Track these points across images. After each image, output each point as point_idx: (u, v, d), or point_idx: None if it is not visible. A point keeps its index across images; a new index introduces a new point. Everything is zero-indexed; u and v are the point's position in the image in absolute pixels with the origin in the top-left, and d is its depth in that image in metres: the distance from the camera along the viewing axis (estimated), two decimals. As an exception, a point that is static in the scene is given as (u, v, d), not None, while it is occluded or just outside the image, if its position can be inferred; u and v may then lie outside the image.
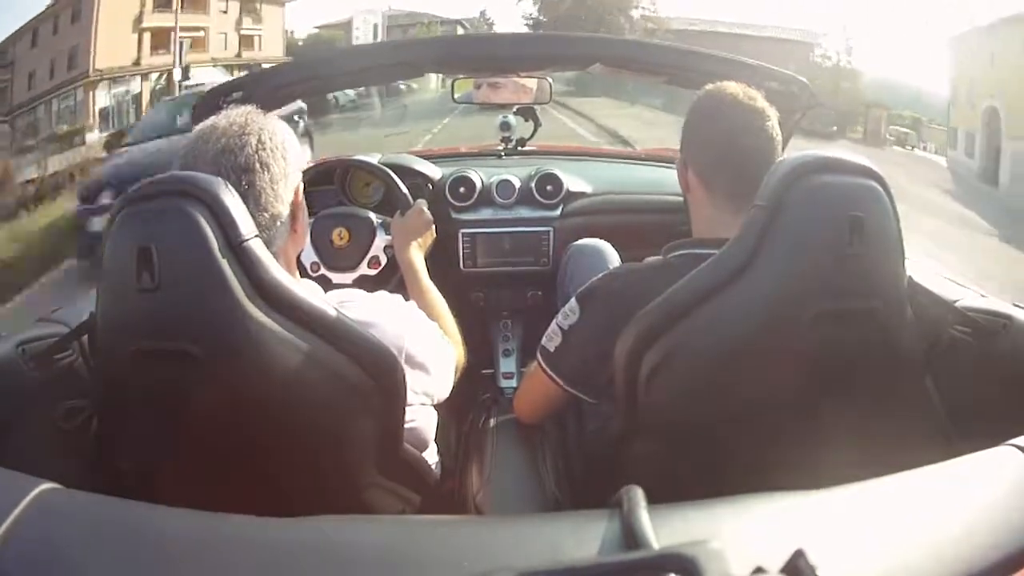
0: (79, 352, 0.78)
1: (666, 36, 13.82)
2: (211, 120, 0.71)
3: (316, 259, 1.27)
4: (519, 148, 1.79)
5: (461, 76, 1.77)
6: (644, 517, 0.38)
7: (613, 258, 1.25)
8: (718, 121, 0.85)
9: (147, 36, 12.17)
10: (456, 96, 1.83)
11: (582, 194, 1.52)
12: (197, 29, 13.16)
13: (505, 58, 1.27)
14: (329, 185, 1.41)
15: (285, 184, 0.71)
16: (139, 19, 11.80)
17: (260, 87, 1.16)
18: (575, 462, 0.95)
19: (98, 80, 10.68)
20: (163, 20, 12.37)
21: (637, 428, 0.75)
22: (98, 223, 4.37)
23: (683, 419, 0.73)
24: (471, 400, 1.16)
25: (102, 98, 10.82)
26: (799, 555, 0.33)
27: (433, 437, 0.84)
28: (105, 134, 10.10)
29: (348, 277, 1.26)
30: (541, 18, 16.47)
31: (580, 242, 1.32)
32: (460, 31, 17.13)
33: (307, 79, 1.24)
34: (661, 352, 0.71)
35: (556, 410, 0.97)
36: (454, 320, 1.03)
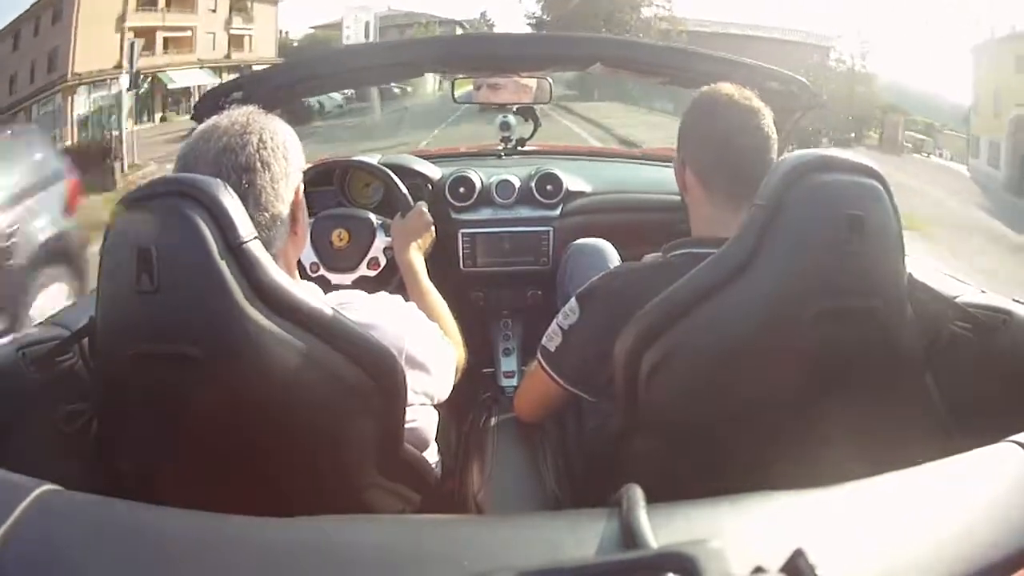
0: (79, 355, 0.78)
1: (680, 37, 13.63)
2: (213, 119, 0.71)
3: (316, 260, 1.27)
4: (519, 148, 1.79)
5: (461, 76, 1.77)
6: (643, 516, 0.38)
7: (613, 257, 1.25)
8: (715, 121, 0.85)
9: (130, 37, 11.54)
10: (456, 96, 1.83)
11: (582, 193, 1.52)
12: (183, 29, 12.64)
13: (505, 58, 1.27)
14: (329, 186, 1.41)
15: (286, 184, 0.71)
16: (122, 18, 11.26)
17: (261, 87, 1.16)
18: (575, 461, 0.95)
19: (77, 84, 10.21)
20: (148, 19, 11.83)
21: (637, 427, 0.75)
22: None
23: (683, 418, 0.73)
24: (471, 399, 1.16)
25: (81, 104, 10.37)
26: (799, 554, 0.33)
27: (434, 437, 0.84)
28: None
29: (347, 278, 1.26)
30: (545, 17, 16.25)
31: (580, 241, 1.32)
32: (459, 31, 17.00)
33: (308, 79, 1.24)
34: (661, 351, 0.71)
35: (556, 409, 0.97)
36: (454, 320, 1.03)
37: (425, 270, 1.14)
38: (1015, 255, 5.68)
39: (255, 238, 0.62)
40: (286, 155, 0.71)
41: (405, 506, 0.77)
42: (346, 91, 12.01)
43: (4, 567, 0.38)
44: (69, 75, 10.16)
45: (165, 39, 12.50)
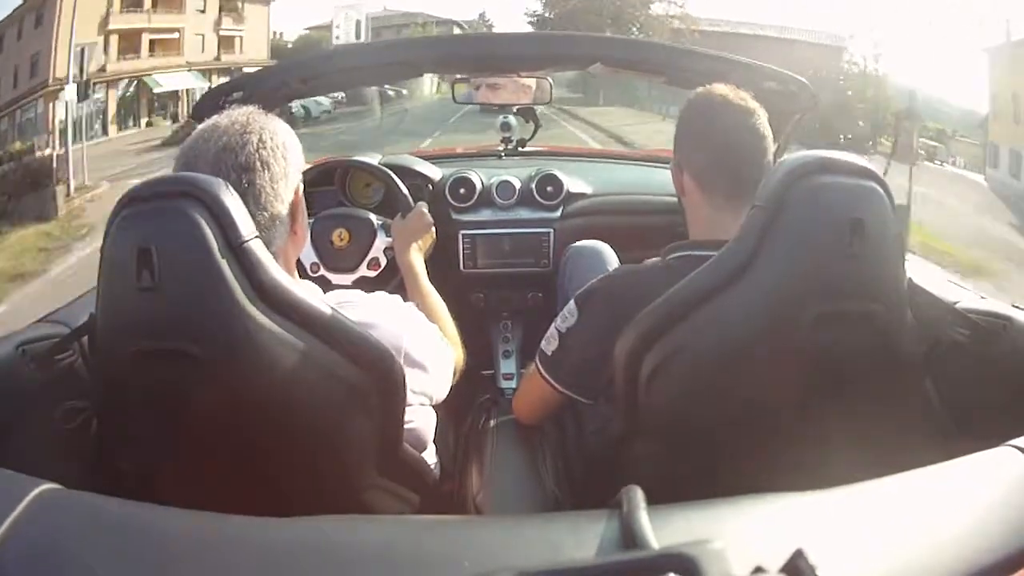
0: (79, 353, 0.78)
1: (693, 36, 13.33)
2: (213, 119, 0.72)
3: (316, 260, 1.27)
4: (519, 149, 1.79)
5: (460, 77, 1.77)
6: (644, 517, 0.38)
7: (612, 259, 1.25)
8: (711, 123, 0.85)
9: (114, 39, 11.15)
10: (456, 96, 1.83)
11: (582, 195, 1.52)
12: (171, 30, 12.19)
13: (505, 57, 1.27)
14: (329, 186, 1.41)
15: (285, 184, 0.71)
16: (105, 21, 10.81)
17: (261, 87, 1.16)
18: (575, 463, 0.95)
19: (58, 90, 9.68)
20: (133, 21, 11.37)
21: (637, 429, 0.75)
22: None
23: (683, 420, 0.73)
24: (471, 401, 1.16)
25: (63, 109, 9.73)
26: (799, 555, 0.33)
27: (432, 438, 0.84)
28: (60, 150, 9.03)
29: (348, 278, 1.26)
30: (547, 15, 15.95)
31: (579, 244, 1.32)
32: (457, 31, 16.82)
33: (308, 78, 1.24)
34: (661, 353, 0.71)
35: (554, 412, 0.97)
36: (454, 322, 1.03)
37: (425, 271, 1.14)
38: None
39: (256, 237, 0.62)
40: (285, 155, 0.71)
41: (404, 507, 0.77)
42: (335, 95, 11.65)
43: (4, 566, 0.38)
44: (51, 80, 9.74)
45: (151, 41, 12.07)
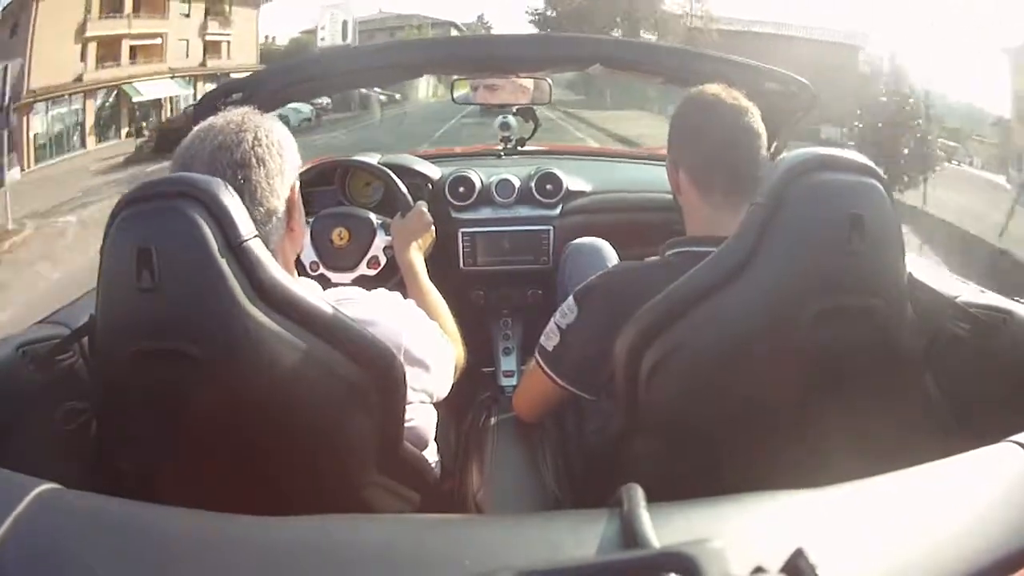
0: (79, 353, 0.78)
1: (711, 36, 13.06)
2: (209, 120, 0.72)
3: (316, 259, 1.27)
4: (518, 148, 1.79)
5: (460, 77, 1.77)
6: (644, 516, 0.38)
7: (611, 257, 1.25)
8: (705, 122, 0.86)
9: (92, 47, 10.54)
10: (455, 97, 1.83)
11: (581, 193, 1.52)
12: (153, 36, 11.64)
13: (504, 59, 1.27)
14: (329, 185, 1.41)
15: (281, 180, 0.71)
16: (83, 28, 10.21)
17: (259, 89, 1.16)
18: (575, 461, 0.95)
19: (32, 102, 9.26)
20: (112, 27, 10.79)
21: (637, 426, 0.75)
22: None
23: (683, 417, 0.73)
24: (471, 399, 1.16)
25: (38, 123, 9.37)
26: (799, 554, 0.33)
27: (433, 436, 0.84)
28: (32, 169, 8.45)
29: (347, 277, 1.26)
30: (549, 13, 15.69)
31: (578, 241, 1.33)
32: (454, 32, 16.54)
33: (305, 80, 1.24)
34: (661, 350, 0.71)
35: (555, 409, 0.97)
36: (454, 320, 1.03)
37: (425, 270, 1.14)
38: None
39: (255, 237, 0.62)
40: (281, 152, 0.71)
41: (404, 505, 0.77)
42: (319, 101, 11.20)
43: (4, 566, 0.38)
44: (24, 92, 9.26)
45: (132, 48, 11.50)
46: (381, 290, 0.81)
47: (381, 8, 16.95)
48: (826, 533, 0.41)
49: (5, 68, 8.90)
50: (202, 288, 0.60)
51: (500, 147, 1.79)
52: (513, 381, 1.48)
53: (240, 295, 0.60)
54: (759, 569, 0.33)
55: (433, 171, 1.52)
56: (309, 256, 1.26)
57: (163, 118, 11.98)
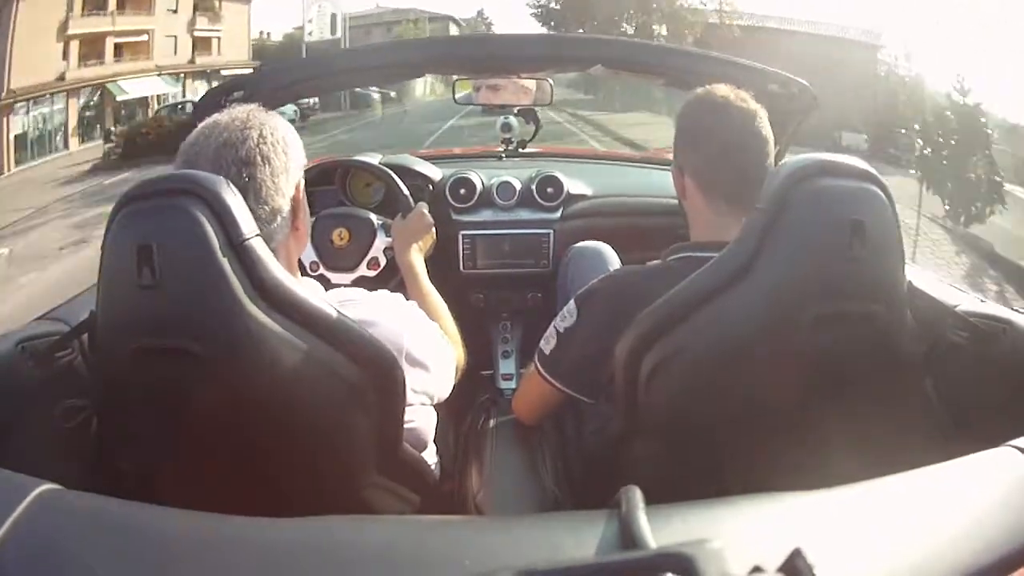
0: (79, 351, 0.78)
1: (731, 31, 12.59)
2: (214, 116, 0.72)
3: (316, 259, 1.27)
4: (520, 150, 1.80)
5: (461, 77, 1.77)
6: (642, 517, 0.38)
7: (613, 260, 1.25)
8: (714, 125, 0.85)
9: (75, 45, 10.15)
10: (457, 97, 1.83)
11: (582, 196, 1.52)
12: (139, 32, 11.20)
13: (505, 59, 1.27)
14: (329, 185, 1.41)
15: (286, 178, 0.71)
16: (65, 25, 9.86)
17: (261, 87, 1.17)
18: (574, 463, 0.95)
19: (12, 102, 8.94)
20: (95, 25, 10.39)
21: (636, 429, 0.75)
22: None
23: (682, 420, 0.73)
24: (470, 401, 1.16)
25: (18, 123, 9.06)
26: (797, 555, 0.33)
27: (432, 437, 0.84)
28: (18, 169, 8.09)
29: (347, 277, 1.26)
30: (552, 5, 15.17)
31: (581, 244, 1.33)
32: (452, 27, 16.26)
33: (308, 79, 1.24)
34: (661, 353, 0.71)
35: (554, 411, 0.97)
36: (454, 322, 1.03)
37: (425, 271, 1.14)
38: None
39: (257, 235, 0.63)
40: (286, 150, 0.71)
41: (404, 506, 0.77)
42: (304, 101, 10.75)
43: (4, 566, 0.38)
44: (4, 92, 9.01)
45: (116, 45, 11.10)
46: (384, 291, 0.81)
47: (378, 3, 16.46)
48: (824, 535, 0.41)
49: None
50: (203, 286, 0.60)
51: (501, 149, 1.79)
52: (512, 384, 1.48)
53: (240, 294, 0.60)
54: (757, 569, 0.33)
55: (434, 172, 1.52)
56: (309, 256, 1.27)
57: (149, 116, 11.57)
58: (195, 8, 12.30)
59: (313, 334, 0.63)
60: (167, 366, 0.61)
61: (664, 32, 13.71)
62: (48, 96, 9.89)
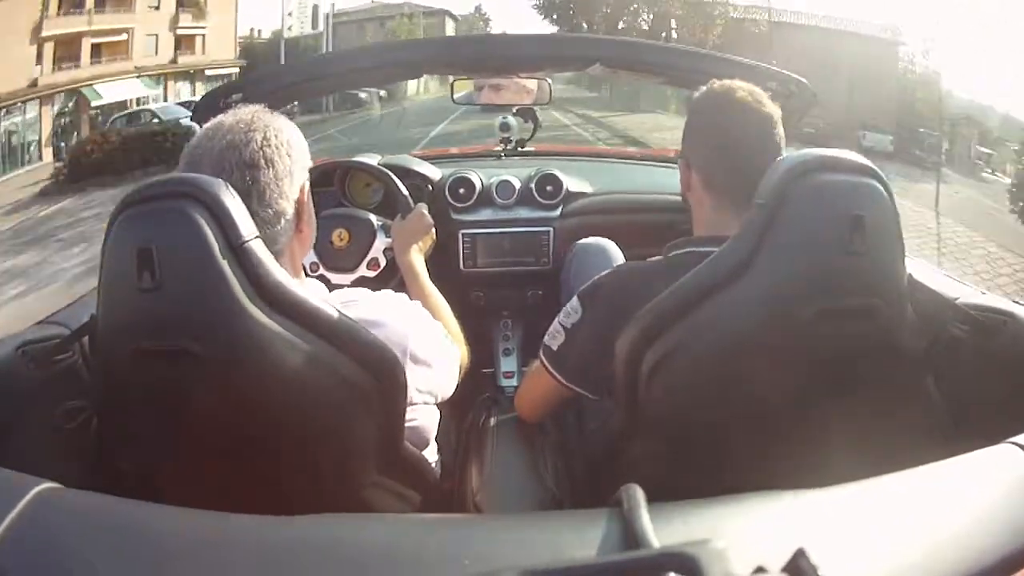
0: (80, 353, 0.78)
1: (759, 28, 12.18)
2: (219, 118, 0.72)
3: (315, 259, 1.27)
4: (519, 149, 1.80)
5: (461, 76, 1.77)
6: (644, 516, 0.38)
7: (617, 257, 1.25)
8: (725, 125, 0.84)
9: (49, 47, 9.40)
10: (456, 97, 1.83)
11: (582, 194, 1.52)
12: (118, 31, 10.37)
13: (504, 58, 1.27)
14: (329, 186, 1.41)
15: (290, 181, 0.71)
16: (39, 27, 9.13)
17: (260, 88, 1.16)
18: (575, 461, 0.95)
19: None
20: (71, 25, 9.61)
21: (637, 426, 0.75)
22: None
23: (683, 417, 0.73)
24: (471, 399, 1.16)
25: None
26: (800, 554, 0.33)
27: (434, 436, 0.84)
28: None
29: (347, 278, 1.26)
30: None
31: (585, 240, 1.33)
32: (449, 22, 15.61)
33: (306, 80, 1.24)
34: (662, 349, 0.71)
35: (557, 408, 0.97)
36: (456, 321, 1.03)
37: (426, 271, 1.14)
38: None
39: (256, 237, 0.62)
40: (290, 152, 0.71)
41: (405, 505, 0.77)
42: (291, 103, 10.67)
43: (4, 566, 0.38)
44: None
45: (93, 45, 10.23)
46: (387, 291, 0.81)
47: (373, -1, 15.71)
48: (827, 534, 0.41)
49: None
50: (203, 288, 0.60)
51: (500, 148, 1.79)
52: (513, 382, 1.48)
53: (241, 295, 0.60)
54: (760, 569, 0.33)
55: (433, 172, 1.52)
56: (309, 257, 1.26)
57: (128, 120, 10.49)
58: (178, 4, 11.47)
59: (314, 334, 0.63)
60: (167, 367, 0.61)
61: (678, 27, 13.24)
62: (19, 104, 9.24)
